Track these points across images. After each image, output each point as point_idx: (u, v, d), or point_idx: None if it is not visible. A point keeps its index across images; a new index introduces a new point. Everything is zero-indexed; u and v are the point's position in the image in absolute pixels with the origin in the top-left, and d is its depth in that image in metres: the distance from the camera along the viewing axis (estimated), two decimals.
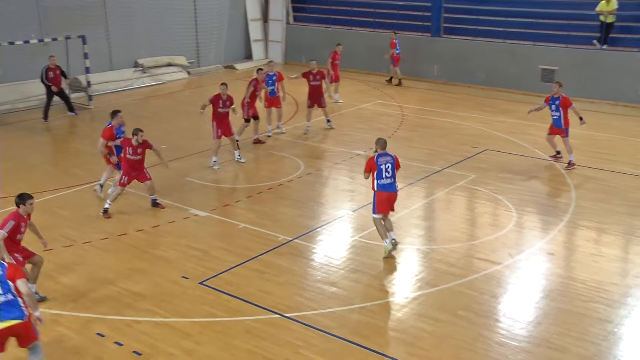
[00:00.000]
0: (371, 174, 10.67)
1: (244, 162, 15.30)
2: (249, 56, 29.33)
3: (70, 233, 11.51)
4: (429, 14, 25.13)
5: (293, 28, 29.13)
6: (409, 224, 12.16)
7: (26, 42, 19.69)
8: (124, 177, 12.31)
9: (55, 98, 19.47)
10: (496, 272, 10.28)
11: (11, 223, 8.90)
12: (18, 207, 9.08)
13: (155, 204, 12.67)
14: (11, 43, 19.26)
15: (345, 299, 9.50)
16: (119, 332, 8.52)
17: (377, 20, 26.66)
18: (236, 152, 15.42)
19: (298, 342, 8.40)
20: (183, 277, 9.99)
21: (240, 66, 28.09)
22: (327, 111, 18.32)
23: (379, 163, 10.55)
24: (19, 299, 7.10)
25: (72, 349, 8.17)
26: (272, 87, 17.34)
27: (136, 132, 12.23)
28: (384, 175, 10.59)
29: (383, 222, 10.68)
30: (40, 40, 20.25)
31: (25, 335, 7.20)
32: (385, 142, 10.84)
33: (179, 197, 13.17)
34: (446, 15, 25.05)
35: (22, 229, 9.09)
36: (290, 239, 11.37)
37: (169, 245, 11.09)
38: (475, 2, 24.76)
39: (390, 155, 10.74)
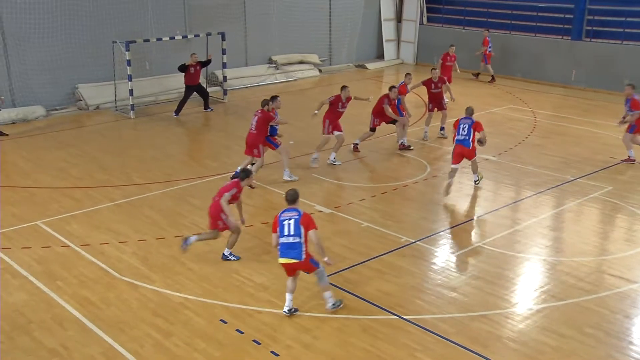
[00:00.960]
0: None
1: (338, 165, 15.23)
2: (380, 56, 29.37)
3: (200, 221, 12.00)
4: (571, 15, 24.07)
5: (426, 29, 28.84)
6: (536, 233, 11.72)
7: (172, 38, 20.78)
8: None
9: (194, 94, 20.28)
10: (631, 290, 9.69)
11: (234, 190, 10.29)
12: (242, 180, 10.36)
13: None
14: (159, 39, 20.41)
15: (466, 305, 9.31)
16: (240, 320, 8.81)
17: (513, 22, 25.85)
18: (333, 154, 15.34)
19: (415, 345, 8.33)
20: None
21: (372, 66, 28.18)
22: (445, 115, 17.69)
23: (459, 124, 13.40)
24: (304, 245, 8.61)
25: (197, 332, 8.54)
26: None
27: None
28: (460, 133, 13.27)
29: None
30: (184, 37, 21.32)
31: (305, 270, 8.89)
32: (470, 109, 13.85)
33: (304, 192, 13.33)
34: (589, 17, 23.86)
35: (237, 199, 10.46)
36: (413, 240, 11.28)
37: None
38: (623, 3, 23.39)
39: (470, 119, 13.43)
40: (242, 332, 8.54)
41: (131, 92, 19.45)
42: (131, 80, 19.37)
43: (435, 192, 13.82)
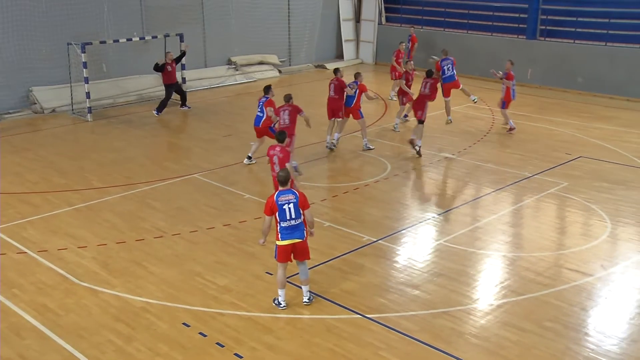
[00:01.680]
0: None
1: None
2: (340, 56, 29.46)
3: (161, 224, 11.89)
4: (525, 15, 24.48)
5: (385, 29, 29.02)
6: (495, 229, 11.89)
7: (129, 39, 20.51)
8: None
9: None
10: (587, 284, 9.90)
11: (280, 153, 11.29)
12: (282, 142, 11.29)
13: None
14: (116, 41, 20.12)
15: (428, 302, 9.39)
16: (203, 323, 8.74)
17: (470, 21, 26.19)
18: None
19: (379, 343, 8.37)
20: (267, 272, 10.14)
21: (331, 66, 28.14)
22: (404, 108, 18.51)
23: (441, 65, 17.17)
24: (303, 224, 8.89)
25: (159, 336, 8.44)
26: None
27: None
28: (446, 72, 17.64)
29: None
30: (142, 38, 21.06)
31: (302, 252, 9.05)
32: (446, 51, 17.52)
33: (266, 193, 13.32)
34: (543, 17, 24.32)
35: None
36: (375, 239, 11.34)
37: (255, 240, 11.19)
38: (575, 3, 23.90)
39: (450, 59, 17.84)
40: (205, 335, 8.48)
41: (88, 94, 19.13)
42: (88, 83, 19.05)
43: (396, 190, 13.93)
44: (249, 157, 15.17)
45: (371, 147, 16.32)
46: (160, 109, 19.83)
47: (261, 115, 14.65)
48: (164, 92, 20.11)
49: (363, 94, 16.25)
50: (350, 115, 16.34)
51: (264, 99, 14.72)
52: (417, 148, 15.78)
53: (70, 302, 9.23)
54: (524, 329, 8.69)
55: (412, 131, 16.32)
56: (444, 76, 18.11)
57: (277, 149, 11.40)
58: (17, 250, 10.82)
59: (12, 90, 19.61)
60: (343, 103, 16.12)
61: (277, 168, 11.27)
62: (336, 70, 16.68)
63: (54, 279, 9.90)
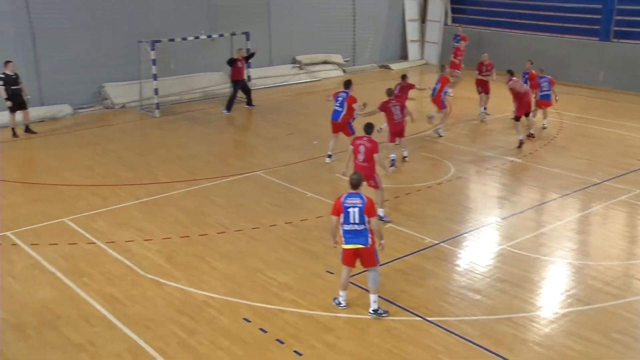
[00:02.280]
0: None
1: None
2: (404, 57, 29.29)
3: (223, 220, 12.07)
4: (598, 16, 23.78)
5: (451, 29, 28.65)
6: (561, 236, 11.61)
7: (196, 37, 20.90)
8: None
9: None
10: None
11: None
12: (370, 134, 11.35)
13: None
14: (184, 39, 20.54)
15: (490, 308, 9.24)
16: (264, 319, 8.83)
17: (539, 22, 25.60)
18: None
19: (438, 347, 8.29)
20: (328, 271, 10.17)
21: (395, 66, 28.10)
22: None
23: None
24: (368, 231, 8.73)
25: (221, 331, 8.57)
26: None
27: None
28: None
29: None
30: (209, 37, 21.43)
31: (367, 259, 8.92)
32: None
33: (328, 192, 13.42)
34: (618, 17, 23.56)
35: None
36: (437, 242, 11.23)
37: (316, 239, 11.33)
38: None
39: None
40: (265, 331, 8.57)
41: (156, 91, 19.60)
42: (156, 80, 19.52)
43: (459, 193, 13.76)
44: (329, 156, 15.18)
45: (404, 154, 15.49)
46: (229, 107, 20.15)
47: (340, 110, 14.78)
48: (231, 88, 20.42)
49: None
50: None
51: (344, 94, 14.84)
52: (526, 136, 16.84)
53: (136, 293, 9.47)
54: (590, 339, 8.46)
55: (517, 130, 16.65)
56: (541, 93, 17.96)
57: (365, 139, 11.45)
58: (87, 241, 11.17)
59: (85, 86, 20.28)
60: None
61: (361, 157, 11.40)
62: (404, 76, 17.12)
63: (121, 269, 10.18)
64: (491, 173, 14.90)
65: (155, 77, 19.48)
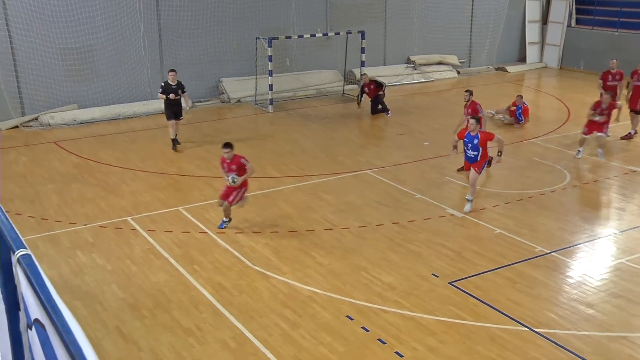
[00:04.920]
0: None
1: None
2: (522, 59, 28.39)
3: (330, 217, 12.19)
4: None
5: (574, 31, 27.50)
6: None
7: (312, 35, 21.21)
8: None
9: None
10: None
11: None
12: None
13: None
14: (300, 36, 20.90)
15: (603, 324, 8.81)
16: (366, 318, 8.85)
17: None
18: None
19: (544, 359, 8.01)
20: (433, 274, 10.05)
21: (512, 69, 27.30)
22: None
23: None
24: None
25: (323, 326, 8.67)
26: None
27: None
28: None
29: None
30: (325, 34, 21.68)
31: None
32: None
33: (437, 195, 13.26)
34: None
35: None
36: (548, 251, 10.83)
37: (423, 241, 11.23)
38: None
39: None
40: (367, 330, 8.58)
41: (271, 87, 20.06)
42: (271, 76, 19.97)
43: (575, 202, 13.21)
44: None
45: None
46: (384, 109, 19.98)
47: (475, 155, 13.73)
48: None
49: None
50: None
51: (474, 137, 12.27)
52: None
53: (243, 284, 9.75)
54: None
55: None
56: None
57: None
58: (199, 230, 11.60)
59: (204, 81, 21.08)
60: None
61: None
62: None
63: (229, 260, 10.51)
64: (610, 182, 14.19)
65: (270, 73, 19.93)
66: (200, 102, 20.98)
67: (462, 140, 12.44)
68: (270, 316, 8.89)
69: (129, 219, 12.06)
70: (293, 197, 13.21)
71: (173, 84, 15.90)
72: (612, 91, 16.30)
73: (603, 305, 9.28)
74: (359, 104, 20.59)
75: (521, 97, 18.28)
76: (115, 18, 19.34)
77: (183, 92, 16.00)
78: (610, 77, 17.15)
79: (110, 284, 9.71)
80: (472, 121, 12.20)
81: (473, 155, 12.21)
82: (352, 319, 8.83)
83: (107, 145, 16.69)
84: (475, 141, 12.07)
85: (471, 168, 12.39)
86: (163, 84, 16.10)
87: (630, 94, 17.05)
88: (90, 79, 19.32)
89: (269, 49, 19.72)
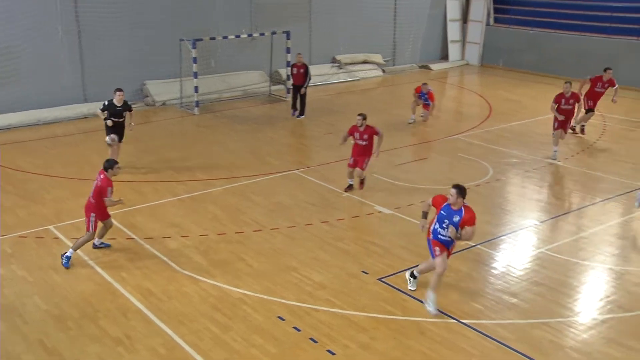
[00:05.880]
0: None
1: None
2: (445, 57, 29.04)
3: (260, 218, 12.14)
4: None
5: (493, 30, 28.33)
6: (602, 240, 11.38)
7: (237, 36, 21.07)
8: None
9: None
10: None
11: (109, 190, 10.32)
12: (107, 171, 10.38)
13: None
14: (225, 37, 20.73)
15: (526, 312, 9.12)
16: (298, 318, 8.86)
17: (585, 23, 25.11)
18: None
19: (473, 350, 8.22)
20: (363, 271, 10.16)
21: (436, 67, 27.90)
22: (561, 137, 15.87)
23: None
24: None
25: (255, 328, 8.63)
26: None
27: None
28: None
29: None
30: (250, 35, 21.57)
31: None
32: None
33: (364, 192, 13.40)
34: None
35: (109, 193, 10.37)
36: (473, 244, 11.11)
37: (352, 239, 11.33)
38: None
39: None
40: (299, 330, 8.59)
41: (196, 89, 19.83)
42: (197, 78, 19.74)
43: (498, 195, 13.60)
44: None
45: None
46: (295, 109, 19.63)
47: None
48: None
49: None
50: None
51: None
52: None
53: (173, 289, 9.60)
54: (631, 347, 8.28)
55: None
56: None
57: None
58: (126, 236, 11.35)
59: (128, 84, 20.49)
60: None
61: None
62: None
63: (158, 265, 10.33)
64: (531, 176, 14.68)
65: (195, 75, 19.70)
66: None
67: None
68: (200, 320, 8.78)
69: (51, 227, 11.68)
70: (221, 200, 13.09)
71: (119, 105, 14.13)
72: (565, 115, 15.51)
73: (525, 293, 9.60)
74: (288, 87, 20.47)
75: (426, 84, 18.68)
76: (32, 20, 18.64)
77: (129, 111, 14.45)
78: (563, 100, 15.57)
79: (31, 296, 9.39)
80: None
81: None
82: (283, 320, 8.83)
83: (26, 152, 16.11)
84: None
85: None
86: (107, 103, 14.13)
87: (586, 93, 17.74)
88: (7, 83, 18.59)
89: (193, 50, 19.49)
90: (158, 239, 11.25)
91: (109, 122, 14.08)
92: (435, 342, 8.38)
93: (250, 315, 8.94)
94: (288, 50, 21.60)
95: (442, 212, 8.83)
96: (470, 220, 8.74)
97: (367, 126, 13.24)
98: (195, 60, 19.57)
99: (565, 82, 15.85)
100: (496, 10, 28.48)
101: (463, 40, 29.12)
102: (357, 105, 21.31)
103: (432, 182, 14.22)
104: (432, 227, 9.00)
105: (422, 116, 18.93)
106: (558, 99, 15.66)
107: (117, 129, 14.27)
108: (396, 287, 9.66)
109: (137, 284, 9.71)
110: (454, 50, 29.00)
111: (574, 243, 11.28)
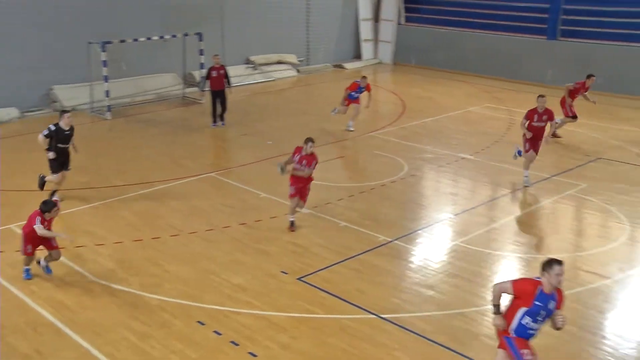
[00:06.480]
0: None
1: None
2: (358, 56, 29.42)
3: (177, 223, 11.94)
4: (546, 15, 24.30)
5: (404, 29, 28.94)
6: (512, 231, 11.82)
7: (148, 39, 20.63)
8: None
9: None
10: (604, 286, 9.81)
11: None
12: (43, 214, 9.65)
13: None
14: (135, 40, 20.27)
15: (443, 303, 9.35)
16: (218, 322, 8.77)
17: (491, 21, 26.03)
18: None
19: (393, 343, 8.35)
20: (282, 272, 10.15)
21: (349, 66, 28.23)
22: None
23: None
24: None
25: (174, 334, 8.47)
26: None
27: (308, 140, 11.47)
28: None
29: None
30: (161, 37, 21.16)
31: None
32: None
33: (282, 193, 13.37)
34: (565, 17, 24.11)
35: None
36: (390, 240, 11.31)
37: (270, 239, 11.31)
38: (597, 3, 23.67)
39: None
40: (219, 334, 8.50)
41: (107, 93, 19.30)
42: (107, 82, 19.21)
43: (412, 190, 13.89)
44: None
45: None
46: (215, 118, 18.56)
47: None
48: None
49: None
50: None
51: None
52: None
53: (87, 300, 9.30)
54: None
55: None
56: None
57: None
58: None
59: (34, 89, 19.82)
60: None
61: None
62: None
63: (71, 276, 9.98)
64: (445, 170, 15.07)
65: (106, 79, 19.17)
66: (31, 111, 19.71)
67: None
68: (117, 330, 8.55)
69: None
70: (137, 206, 12.79)
71: (66, 128, 12.42)
72: (534, 133, 13.81)
73: (442, 285, 9.85)
74: (202, 90, 19.52)
75: (365, 77, 17.98)
76: None
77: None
78: (536, 117, 13.85)
79: None
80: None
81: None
82: (203, 324, 8.72)
83: None
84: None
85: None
86: (53, 128, 12.32)
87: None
88: None
89: (103, 53, 18.96)
90: (71, 248, 10.86)
91: (51, 155, 12.35)
92: (356, 338, 8.47)
93: (169, 322, 8.77)
94: (201, 52, 21.33)
95: (536, 303, 6.68)
96: (562, 301, 6.88)
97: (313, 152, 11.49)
98: (105, 63, 19.03)
99: (539, 96, 13.97)
100: (407, 10, 29.10)
101: (375, 39, 29.58)
102: (272, 105, 21.38)
103: (348, 180, 14.41)
104: (514, 324, 6.84)
105: (350, 129, 17.88)
106: (530, 115, 13.81)
107: (63, 157, 12.59)
108: (316, 285, 9.71)
109: (48, 297, 9.35)
110: (367, 49, 29.42)
111: (487, 234, 11.66)
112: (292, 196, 11.58)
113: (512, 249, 11.08)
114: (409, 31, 28.67)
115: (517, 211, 12.71)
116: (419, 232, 11.80)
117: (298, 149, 11.53)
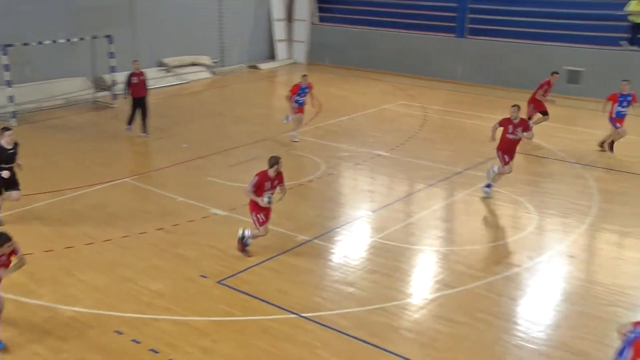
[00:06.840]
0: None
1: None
2: (272, 56, 29.40)
3: (91, 231, 11.59)
4: (454, 14, 25.01)
5: (318, 28, 29.14)
6: (428, 225, 12.09)
7: (54, 41, 19.92)
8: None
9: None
10: (515, 274, 10.19)
11: None
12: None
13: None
14: (40, 43, 19.52)
15: (363, 299, 9.46)
16: (136, 330, 8.56)
17: (402, 20, 26.58)
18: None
19: (315, 342, 8.39)
20: (201, 275, 10.02)
21: (264, 66, 28.18)
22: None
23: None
24: None
25: (90, 346, 8.22)
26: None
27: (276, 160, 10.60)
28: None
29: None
30: (68, 40, 20.46)
31: None
32: None
33: (199, 195, 13.23)
34: (472, 16, 24.91)
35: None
36: (309, 239, 11.36)
37: (188, 244, 11.14)
38: (501, 2, 24.59)
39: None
40: (138, 342, 8.31)
41: (11, 98, 18.50)
42: (10, 87, 18.42)
43: (330, 189, 14.00)
44: None
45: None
46: (130, 122, 17.72)
47: None
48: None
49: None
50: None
51: None
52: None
53: None
54: (456, 321, 8.87)
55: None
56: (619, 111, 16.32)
57: None
58: None
59: None
60: None
61: None
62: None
63: None
64: (361, 168, 15.27)
65: (8, 83, 18.38)
66: None
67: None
68: (28, 346, 8.21)
69: None
70: (47, 215, 12.34)
71: (9, 147, 11.61)
72: (509, 145, 13.04)
73: (362, 282, 9.97)
74: (125, 97, 18.17)
75: (305, 76, 17.14)
76: None
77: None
78: (511, 127, 12.88)
79: None
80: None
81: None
82: (121, 333, 8.49)
83: None
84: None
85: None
86: None
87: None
88: None
89: (4, 57, 18.17)
90: None
91: (5, 174, 11.55)
92: (278, 338, 8.46)
93: (84, 333, 8.50)
94: (112, 55, 20.79)
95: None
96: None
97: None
98: (7, 67, 18.25)
99: (513, 106, 12.90)
100: (320, 10, 29.31)
101: (289, 40, 29.64)
102: (187, 108, 21.07)
103: None
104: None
105: (294, 140, 17.15)
106: (505, 124, 12.95)
107: (9, 177, 11.72)
108: (236, 288, 9.64)
109: None
110: (281, 50, 29.45)
111: (404, 229, 11.88)
112: (262, 223, 10.55)
113: (429, 243, 11.35)
114: (322, 31, 28.89)
115: (432, 206, 13.02)
116: (338, 230, 11.90)
117: (264, 175, 10.43)
